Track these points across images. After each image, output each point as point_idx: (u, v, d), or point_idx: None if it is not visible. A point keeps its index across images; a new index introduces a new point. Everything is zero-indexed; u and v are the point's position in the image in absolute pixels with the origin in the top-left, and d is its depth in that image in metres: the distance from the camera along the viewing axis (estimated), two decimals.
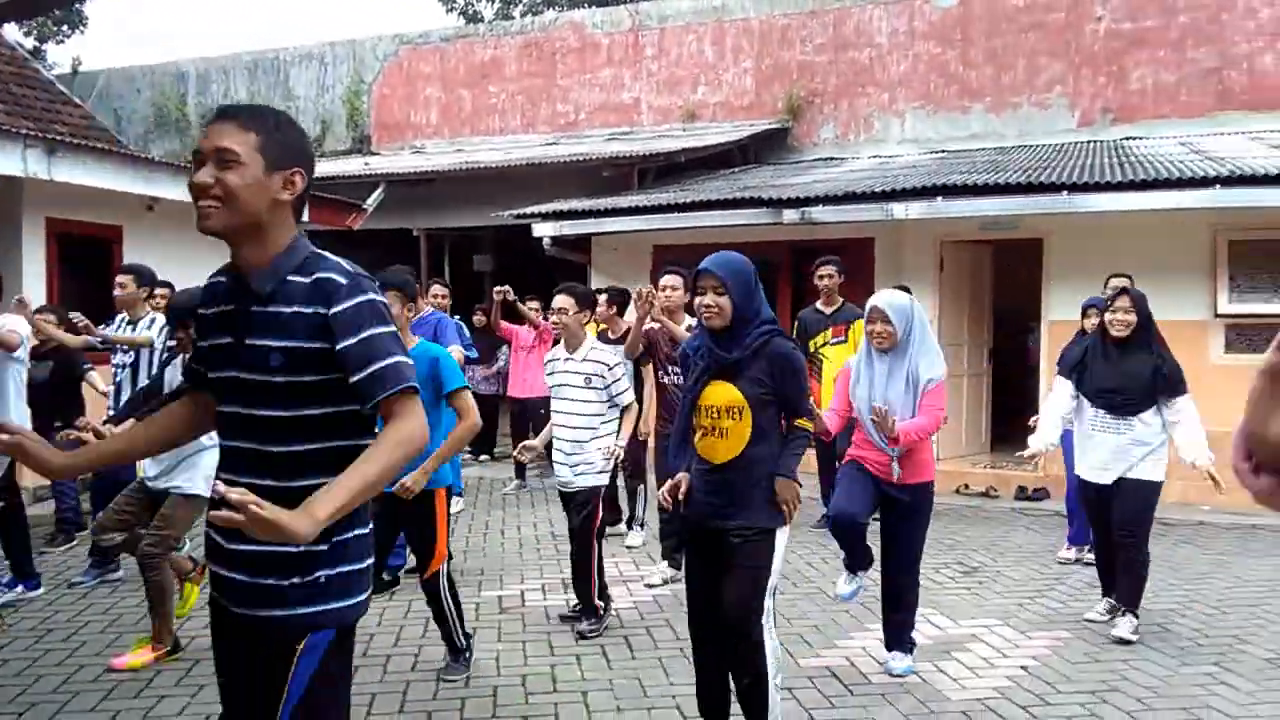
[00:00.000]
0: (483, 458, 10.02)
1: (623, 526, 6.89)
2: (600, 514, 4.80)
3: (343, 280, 1.95)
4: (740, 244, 7.45)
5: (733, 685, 3.35)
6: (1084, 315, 6.27)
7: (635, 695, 4.03)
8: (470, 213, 11.78)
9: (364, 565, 2.05)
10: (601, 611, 4.83)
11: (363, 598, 2.05)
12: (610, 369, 4.71)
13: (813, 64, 12.51)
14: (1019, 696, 4.05)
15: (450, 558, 4.33)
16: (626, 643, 4.69)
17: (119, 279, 5.96)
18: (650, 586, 5.69)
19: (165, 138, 16.46)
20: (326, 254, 2.03)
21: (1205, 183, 7.53)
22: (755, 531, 3.25)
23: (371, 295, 1.97)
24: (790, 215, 8.87)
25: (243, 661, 2.03)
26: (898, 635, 4.36)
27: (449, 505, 4.33)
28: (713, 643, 3.36)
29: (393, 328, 1.98)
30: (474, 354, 6.41)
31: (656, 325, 5.84)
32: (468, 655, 4.30)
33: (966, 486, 8.75)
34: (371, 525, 2.11)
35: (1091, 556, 6.14)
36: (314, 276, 1.96)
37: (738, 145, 12.28)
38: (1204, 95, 10.67)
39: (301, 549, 1.89)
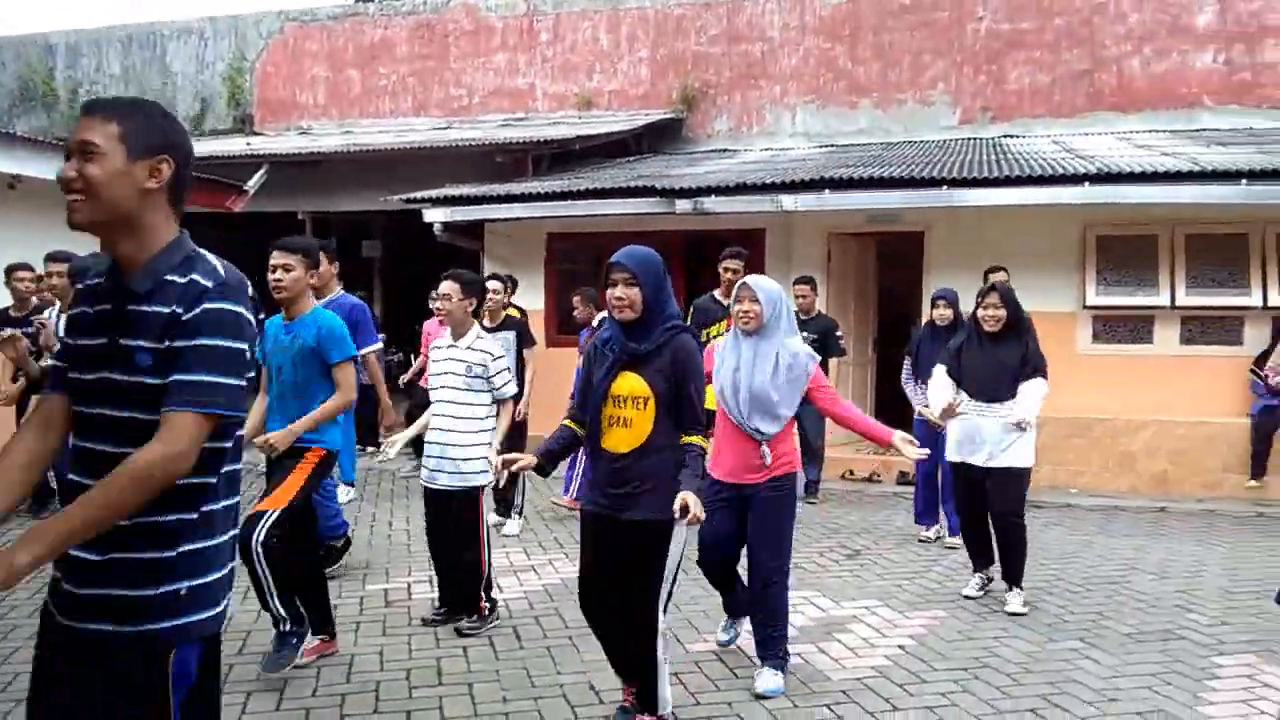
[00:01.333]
0: (370, 449, 9.79)
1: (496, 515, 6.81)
2: (483, 512, 4.68)
3: (210, 284, 1.90)
4: (634, 233, 7.47)
5: None
6: (933, 306, 6.51)
7: (523, 685, 4.01)
8: (359, 197, 11.48)
9: (224, 573, 2.00)
10: (486, 611, 4.68)
11: (225, 606, 2.01)
12: (495, 359, 4.63)
13: (707, 55, 12.60)
14: (896, 674, 4.18)
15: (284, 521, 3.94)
16: (515, 633, 4.65)
17: (54, 268, 5.58)
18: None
19: (31, 113, 15.52)
20: (208, 255, 1.97)
21: (1076, 180, 7.90)
22: (655, 526, 3.33)
23: (231, 305, 1.91)
24: (683, 205, 8.92)
25: (91, 683, 1.89)
26: (769, 644, 4.07)
27: (328, 475, 4.16)
28: (607, 619, 3.53)
29: (238, 344, 1.90)
30: (379, 343, 6.20)
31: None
32: (295, 637, 3.97)
33: (851, 473, 8.98)
34: (233, 533, 2.04)
35: (934, 535, 6.61)
36: (190, 277, 1.90)
37: (633, 134, 12.27)
38: (1076, 96, 11.17)
39: (152, 557, 1.86)
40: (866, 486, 8.69)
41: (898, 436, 4.05)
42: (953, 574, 5.77)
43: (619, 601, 3.45)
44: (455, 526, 4.63)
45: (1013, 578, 5.15)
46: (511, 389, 4.73)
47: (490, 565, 4.71)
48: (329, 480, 5.76)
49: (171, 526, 1.89)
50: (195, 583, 1.92)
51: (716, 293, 7.05)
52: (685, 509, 3.22)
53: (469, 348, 4.63)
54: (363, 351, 5.50)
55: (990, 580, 5.38)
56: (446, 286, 4.63)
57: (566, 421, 3.59)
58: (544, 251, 10.44)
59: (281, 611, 3.94)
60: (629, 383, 3.33)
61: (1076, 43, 11.14)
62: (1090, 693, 3.98)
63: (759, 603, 4.10)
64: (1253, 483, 8.04)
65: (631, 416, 3.32)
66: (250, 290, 1.99)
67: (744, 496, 4.06)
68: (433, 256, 11.48)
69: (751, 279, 4.14)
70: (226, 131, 14.66)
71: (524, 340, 6.86)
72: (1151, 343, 8.62)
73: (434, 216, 9.80)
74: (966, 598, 5.28)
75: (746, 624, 4.33)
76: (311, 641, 4.17)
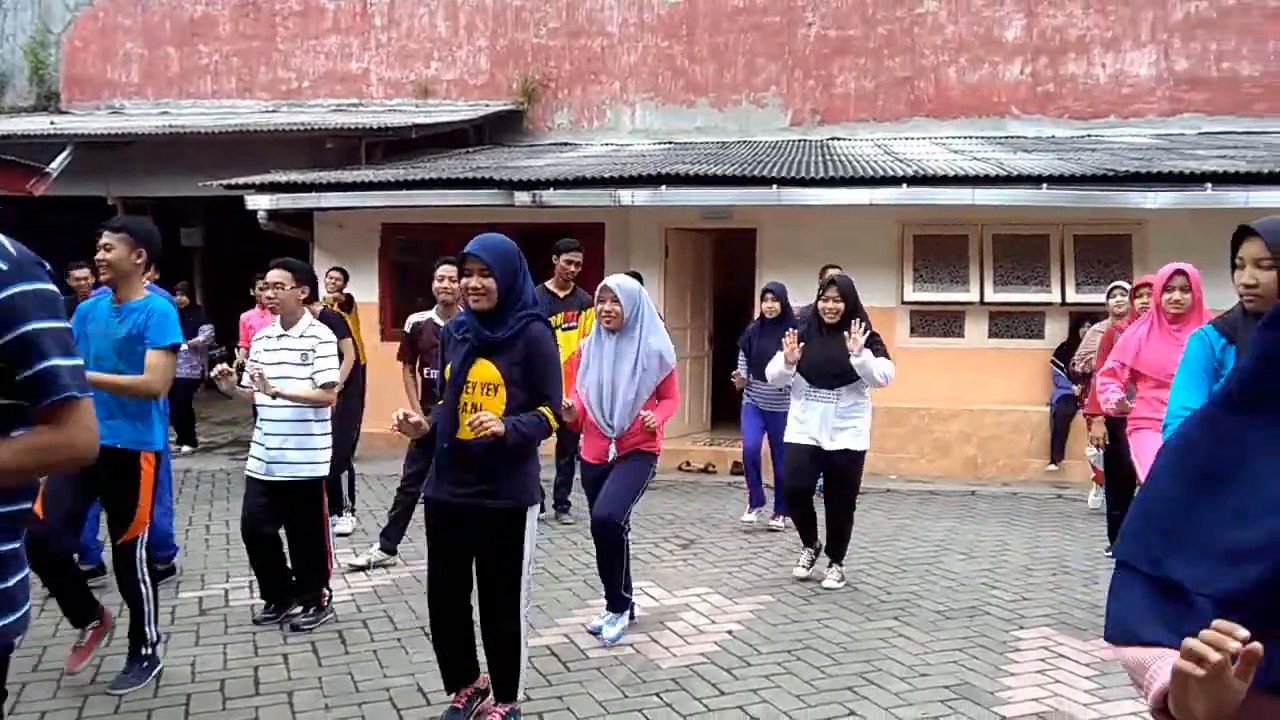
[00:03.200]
0: (185, 449, 9.29)
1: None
2: (325, 501, 4.65)
3: (4, 266, 1.65)
4: (472, 224, 7.35)
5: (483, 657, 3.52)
6: (762, 299, 6.75)
7: (346, 691, 3.88)
8: (176, 181, 10.83)
9: (15, 580, 1.76)
10: (325, 602, 4.68)
11: (15, 617, 1.76)
12: (322, 343, 4.55)
13: (547, 48, 12.54)
14: (724, 659, 4.29)
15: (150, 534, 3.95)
16: (340, 637, 4.50)
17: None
18: (355, 568, 5.59)
19: None
20: None
21: (894, 182, 8.31)
22: (507, 514, 3.35)
23: (38, 284, 1.69)
24: (522, 198, 8.86)
25: None
26: (608, 590, 4.56)
27: (157, 471, 3.94)
28: (456, 619, 3.49)
29: (63, 323, 1.72)
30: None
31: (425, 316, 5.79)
32: (147, 662, 3.91)
33: (688, 464, 9.15)
34: (22, 541, 1.81)
35: (760, 518, 6.84)
36: None
37: (472, 124, 12.09)
38: (898, 102, 11.74)
39: None
40: (702, 477, 8.87)
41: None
42: (779, 560, 5.97)
43: (480, 598, 3.44)
44: (296, 518, 4.58)
45: (836, 556, 5.44)
46: (331, 375, 4.59)
47: (334, 555, 4.72)
48: (165, 498, 5.44)
49: None
50: None
51: (549, 284, 7.02)
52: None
53: (301, 335, 4.54)
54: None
55: (818, 553, 5.63)
56: (277, 275, 4.54)
57: None
58: (379, 242, 10.15)
59: (156, 636, 3.95)
60: (482, 370, 3.36)
61: (898, 51, 11.70)
62: (903, 669, 4.20)
63: (599, 546, 4.45)
64: (1051, 466, 8.69)
65: (481, 402, 3.33)
66: (47, 266, 1.78)
67: (609, 469, 4.47)
68: (260, 246, 10.99)
69: (612, 281, 4.40)
70: (28, 109, 13.57)
71: (342, 328, 6.69)
72: (963, 336, 9.17)
73: (258, 203, 9.36)
74: (800, 579, 5.49)
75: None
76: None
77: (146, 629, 3.89)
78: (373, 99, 12.92)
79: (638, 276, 7.87)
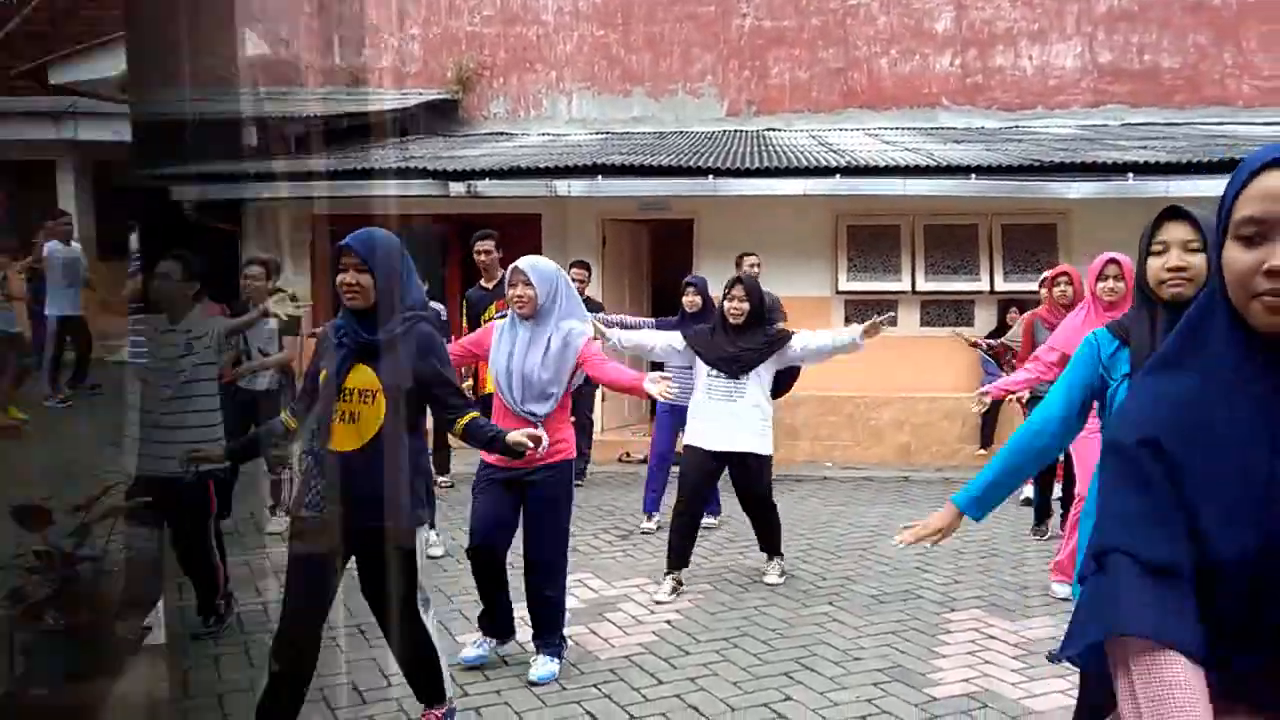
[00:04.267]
0: None
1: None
2: (214, 507, 4.42)
3: None
4: (406, 215, 7.29)
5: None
6: (683, 293, 6.73)
7: None
8: None
9: None
10: (223, 610, 4.51)
11: None
12: (196, 338, 4.35)
13: (482, 36, 12.42)
14: (662, 649, 4.31)
15: None
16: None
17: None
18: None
19: None
20: None
21: (828, 172, 8.39)
22: (390, 534, 3.09)
23: None
24: (457, 188, 8.77)
25: None
26: (545, 631, 4.06)
27: None
28: (306, 660, 3.17)
29: None
30: None
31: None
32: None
33: (628, 455, 9.16)
34: None
35: (655, 526, 6.47)
36: None
37: (405, 114, 11.92)
38: (831, 93, 11.86)
39: None
40: (641, 469, 8.85)
41: (645, 380, 3.95)
42: (717, 549, 6.02)
43: (378, 612, 3.28)
44: (179, 521, 4.37)
45: (771, 550, 5.41)
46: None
47: (220, 565, 4.49)
48: None
49: None
50: None
51: (481, 281, 6.97)
52: (535, 440, 3.17)
53: (188, 331, 4.36)
54: None
55: (680, 584, 5.16)
56: (165, 266, 4.36)
57: (281, 415, 3.37)
58: (309, 234, 9.96)
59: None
60: (359, 375, 3.10)
61: (832, 42, 11.82)
62: (837, 653, 4.26)
63: (536, 594, 4.03)
64: (981, 451, 8.88)
65: (359, 411, 3.09)
66: None
67: (520, 482, 3.97)
68: (186, 238, 10.69)
69: (525, 262, 3.98)
70: None
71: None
72: (895, 325, 9.30)
73: (184, 194, 9.12)
74: (658, 602, 5.00)
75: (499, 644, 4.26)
76: None
77: None
78: (302, 86, 12.67)
79: (585, 266, 7.91)
